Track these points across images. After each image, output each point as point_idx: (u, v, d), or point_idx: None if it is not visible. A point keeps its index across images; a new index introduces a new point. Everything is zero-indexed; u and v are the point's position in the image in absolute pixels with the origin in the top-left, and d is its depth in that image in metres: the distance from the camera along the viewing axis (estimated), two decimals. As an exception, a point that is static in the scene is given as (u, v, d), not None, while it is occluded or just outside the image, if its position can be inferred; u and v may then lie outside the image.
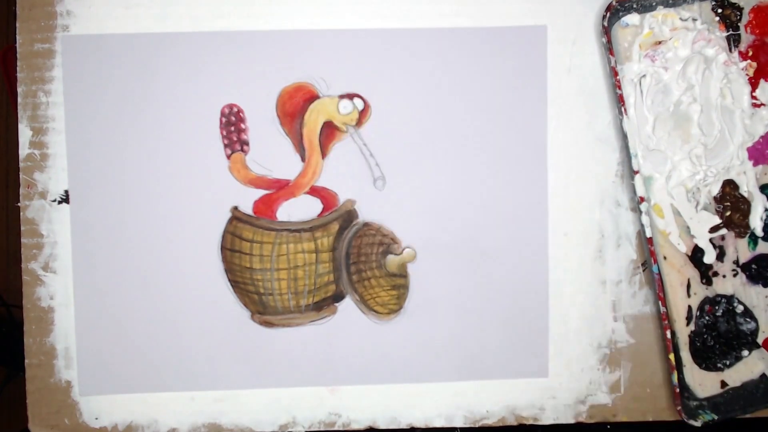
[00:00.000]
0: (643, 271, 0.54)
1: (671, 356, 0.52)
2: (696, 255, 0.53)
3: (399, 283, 0.53)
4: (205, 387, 0.53)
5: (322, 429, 0.54)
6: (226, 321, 0.53)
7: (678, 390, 0.52)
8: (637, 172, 0.52)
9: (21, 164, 0.52)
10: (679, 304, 0.53)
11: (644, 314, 0.54)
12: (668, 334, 0.52)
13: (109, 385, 0.53)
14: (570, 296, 0.54)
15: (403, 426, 0.54)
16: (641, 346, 0.54)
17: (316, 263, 0.53)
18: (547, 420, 0.55)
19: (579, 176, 0.54)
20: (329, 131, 0.53)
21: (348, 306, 0.54)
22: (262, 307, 0.53)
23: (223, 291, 0.53)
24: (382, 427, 0.54)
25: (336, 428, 0.54)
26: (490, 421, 0.54)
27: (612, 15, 0.51)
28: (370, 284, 0.53)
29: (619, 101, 0.51)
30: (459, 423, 0.54)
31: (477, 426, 0.54)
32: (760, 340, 0.54)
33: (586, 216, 0.54)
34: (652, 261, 0.51)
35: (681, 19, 0.52)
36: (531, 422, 0.54)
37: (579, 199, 0.54)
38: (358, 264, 0.53)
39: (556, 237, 0.54)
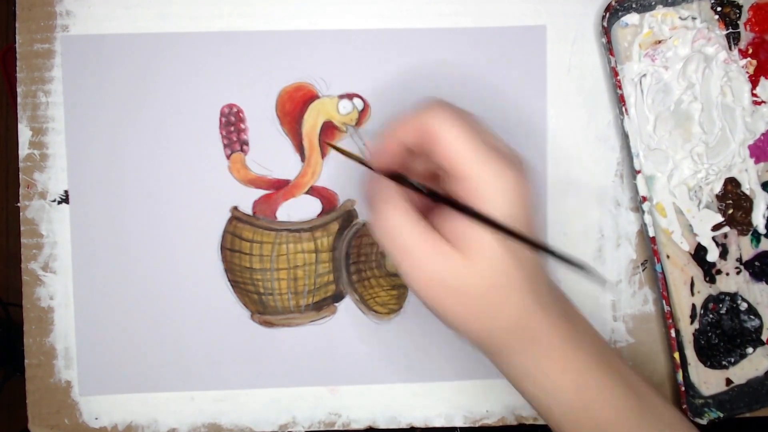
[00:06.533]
0: (643, 270, 0.54)
1: (676, 355, 0.51)
2: (699, 253, 0.53)
3: (399, 283, 0.53)
4: (205, 387, 0.53)
5: (322, 429, 0.54)
6: (226, 321, 0.53)
7: (683, 388, 0.51)
8: (639, 172, 0.51)
9: (21, 164, 0.52)
10: (683, 302, 0.53)
11: (644, 314, 0.54)
12: (673, 332, 0.51)
13: (109, 385, 0.53)
14: (569, 296, 0.54)
15: (403, 426, 0.54)
16: (641, 345, 0.54)
17: (315, 263, 0.53)
18: (548, 420, 0.54)
19: (579, 176, 0.54)
20: (329, 131, 0.53)
21: (348, 306, 0.53)
22: (262, 307, 0.53)
23: (223, 291, 0.53)
24: (382, 427, 0.54)
25: (336, 428, 0.54)
26: (490, 421, 0.54)
27: (611, 15, 0.51)
28: (370, 284, 0.53)
29: (620, 101, 0.51)
30: (459, 423, 0.54)
31: (477, 426, 0.54)
32: (764, 337, 0.53)
33: (585, 216, 0.54)
34: (656, 260, 0.51)
35: (680, 18, 0.52)
36: (531, 422, 0.54)
37: (578, 198, 0.54)
38: (357, 264, 0.53)
39: (555, 237, 0.54)
